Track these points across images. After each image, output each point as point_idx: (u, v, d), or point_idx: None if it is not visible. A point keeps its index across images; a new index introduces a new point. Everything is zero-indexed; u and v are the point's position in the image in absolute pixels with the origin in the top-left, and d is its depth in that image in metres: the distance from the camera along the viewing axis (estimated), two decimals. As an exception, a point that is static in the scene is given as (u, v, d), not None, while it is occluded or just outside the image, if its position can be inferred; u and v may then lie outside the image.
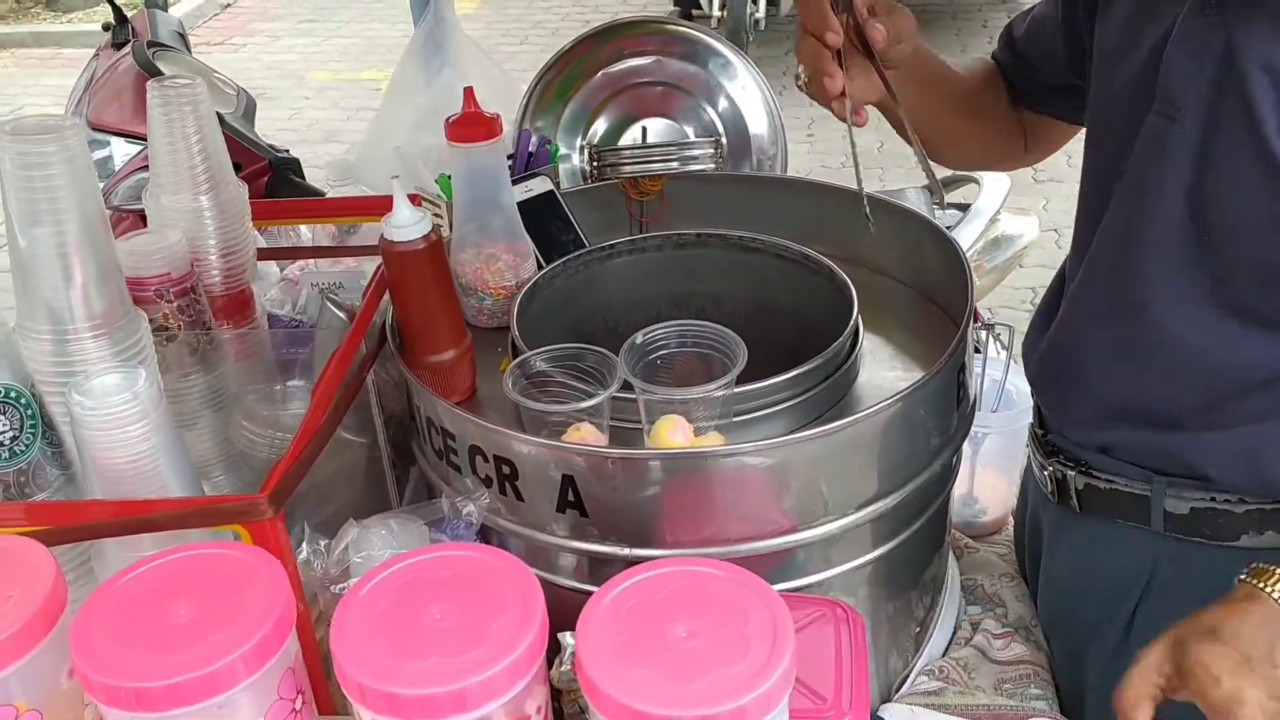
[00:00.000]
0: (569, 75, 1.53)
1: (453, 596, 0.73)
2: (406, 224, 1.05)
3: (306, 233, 1.68)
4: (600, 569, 0.99)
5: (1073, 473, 1.14)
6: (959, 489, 1.32)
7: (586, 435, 1.00)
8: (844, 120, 1.05)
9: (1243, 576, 0.92)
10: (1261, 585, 0.90)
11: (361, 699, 0.69)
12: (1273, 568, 0.91)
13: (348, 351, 1.01)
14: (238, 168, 1.82)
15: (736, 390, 1.02)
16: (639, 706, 0.65)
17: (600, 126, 1.53)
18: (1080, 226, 1.14)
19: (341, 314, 1.12)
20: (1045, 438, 1.19)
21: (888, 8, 1.07)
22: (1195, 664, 0.87)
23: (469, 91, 1.17)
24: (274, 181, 1.79)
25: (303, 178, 1.84)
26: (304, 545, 0.90)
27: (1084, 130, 1.15)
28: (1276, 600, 0.89)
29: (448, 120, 1.18)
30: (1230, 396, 1.01)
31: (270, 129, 4.99)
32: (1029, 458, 1.26)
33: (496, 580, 0.74)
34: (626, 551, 0.98)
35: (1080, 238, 1.13)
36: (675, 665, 0.68)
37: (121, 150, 1.96)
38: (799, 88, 1.08)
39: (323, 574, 0.89)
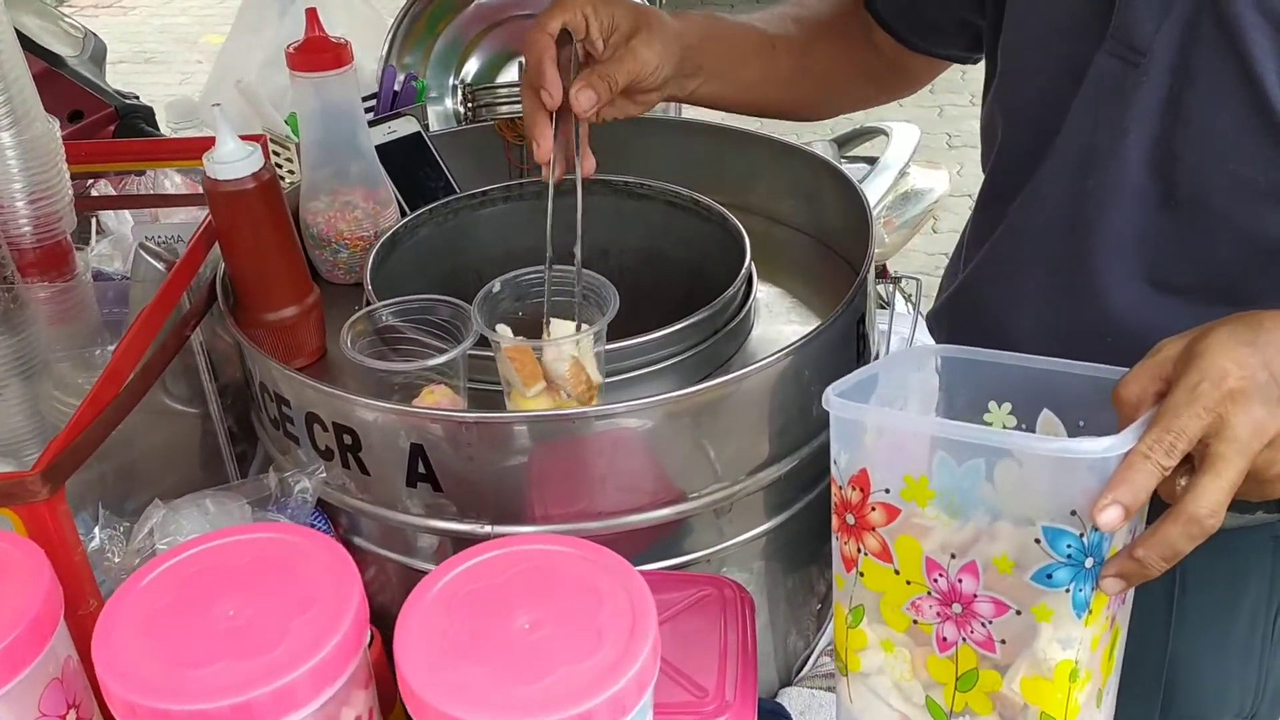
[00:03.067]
0: (439, 7, 1.39)
1: (251, 588, 0.61)
2: (232, 159, 0.91)
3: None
4: (463, 550, 0.88)
5: None
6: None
7: (441, 399, 0.88)
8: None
9: None
10: None
11: (131, 718, 0.56)
12: None
13: (160, 306, 0.87)
14: (80, 115, 1.66)
15: (615, 346, 0.91)
16: (464, 715, 0.54)
17: (474, 64, 1.40)
18: (999, 180, 0.99)
19: (160, 265, 0.98)
20: None
21: (618, 52, 0.92)
22: (1204, 349, 0.66)
23: (311, 13, 1.03)
24: (121, 131, 1.62)
25: (156, 127, 1.67)
26: (97, 531, 0.76)
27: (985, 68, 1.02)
28: None
29: (289, 48, 1.05)
30: None
31: (160, 94, 4.72)
32: None
33: (306, 567, 0.62)
34: (488, 529, 0.87)
35: (999, 190, 0.97)
36: (513, 663, 0.56)
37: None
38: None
39: (120, 565, 0.76)
